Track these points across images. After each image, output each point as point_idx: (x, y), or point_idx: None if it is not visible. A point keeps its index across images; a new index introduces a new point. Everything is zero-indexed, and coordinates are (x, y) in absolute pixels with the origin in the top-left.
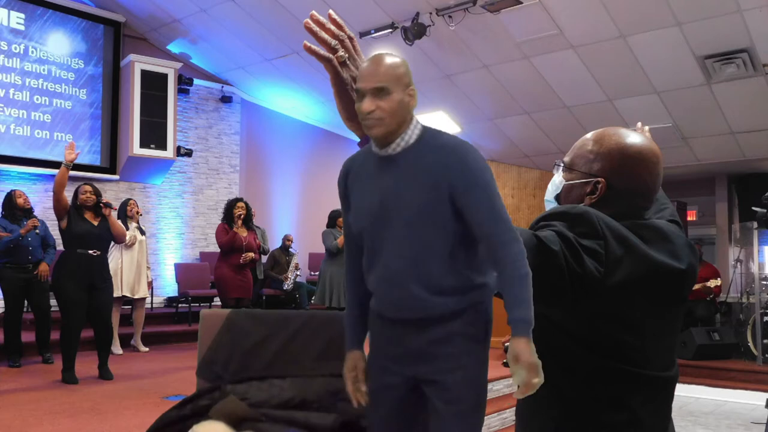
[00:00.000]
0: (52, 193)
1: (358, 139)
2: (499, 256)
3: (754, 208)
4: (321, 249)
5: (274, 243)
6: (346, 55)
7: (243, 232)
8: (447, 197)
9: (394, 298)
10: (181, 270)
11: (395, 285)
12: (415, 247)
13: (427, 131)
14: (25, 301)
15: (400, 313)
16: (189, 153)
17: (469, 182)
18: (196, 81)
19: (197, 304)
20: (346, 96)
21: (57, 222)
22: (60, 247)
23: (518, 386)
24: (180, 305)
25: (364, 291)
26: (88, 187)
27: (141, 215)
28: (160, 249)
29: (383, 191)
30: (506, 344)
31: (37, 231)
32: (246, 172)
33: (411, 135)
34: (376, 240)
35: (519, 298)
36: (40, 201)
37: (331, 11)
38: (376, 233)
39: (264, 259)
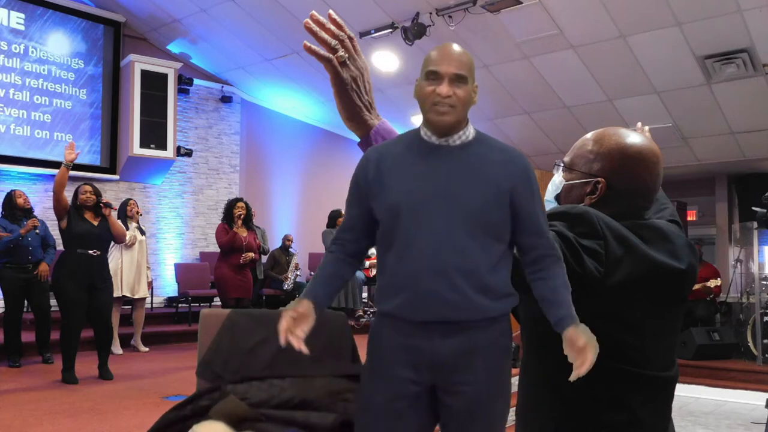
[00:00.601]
0: (52, 193)
1: (358, 139)
2: (548, 265)
3: (754, 208)
4: (321, 249)
5: (274, 243)
6: (346, 55)
7: (243, 232)
8: (507, 197)
9: (434, 294)
10: (181, 270)
11: (440, 277)
12: (468, 241)
13: (480, 133)
14: (25, 301)
15: (434, 313)
16: (189, 153)
17: (532, 190)
18: (196, 81)
19: (197, 304)
20: (346, 96)
21: (57, 222)
22: (60, 247)
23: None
24: (180, 305)
25: (349, 271)
26: (88, 187)
27: (141, 215)
28: (160, 249)
29: (436, 180)
30: None
31: (37, 231)
32: (246, 172)
33: (470, 132)
34: (416, 229)
35: (569, 301)
36: (40, 201)
37: (331, 11)
38: (418, 222)
39: (264, 259)
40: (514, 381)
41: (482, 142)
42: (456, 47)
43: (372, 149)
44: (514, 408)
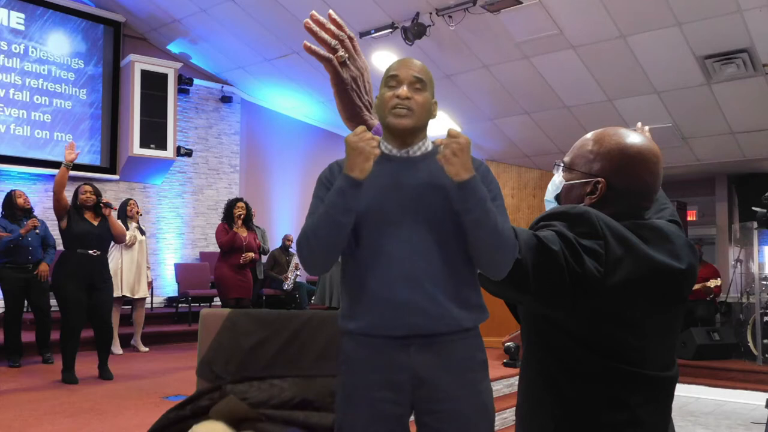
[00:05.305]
0: (52, 193)
1: None
2: None
3: (754, 208)
4: None
5: (274, 243)
6: (346, 55)
7: (243, 232)
8: None
9: (409, 304)
10: (181, 270)
11: (413, 286)
12: (437, 250)
13: (436, 145)
14: (25, 301)
15: (410, 325)
16: (189, 153)
17: (493, 195)
18: (196, 81)
19: (197, 304)
20: (346, 96)
21: (57, 222)
22: (60, 247)
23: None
24: (180, 305)
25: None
26: (88, 187)
27: (141, 215)
28: (160, 249)
29: (400, 191)
30: (506, 344)
31: (37, 231)
32: (246, 172)
33: (428, 143)
34: (384, 240)
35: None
36: (40, 201)
37: (331, 11)
38: (386, 233)
39: (264, 259)
40: (514, 381)
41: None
42: (416, 60)
43: (336, 162)
44: (515, 408)
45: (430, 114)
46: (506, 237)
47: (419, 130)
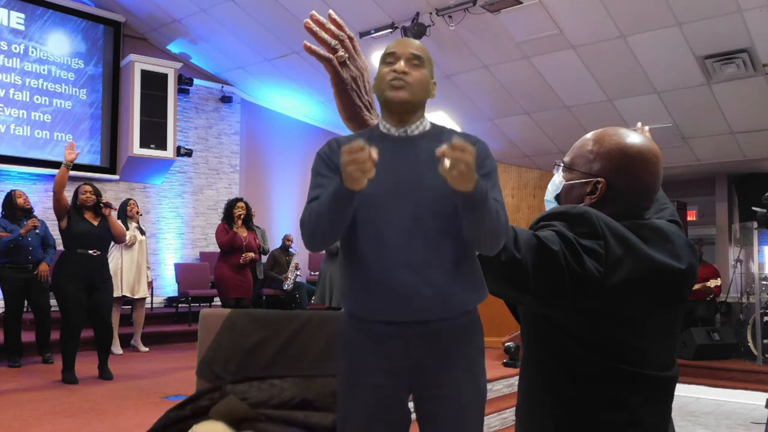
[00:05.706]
0: (52, 193)
1: None
2: None
3: (754, 208)
4: None
5: (274, 243)
6: (346, 55)
7: (243, 232)
8: None
9: (410, 290)
10: (181, 270)
11: (414, 270)
12: (438, 229)
13: (435, 124)
14: (25, 301)
15: (411, 312)
16: (189, 153)
17: (489, 170)
18: (196, 81)
19: (197, 304)
20: (346, 96)
21: (57, 222)
22: (60, 247)
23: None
24: (180, 305)
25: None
26: (88, 187)
27: (141, 215)
28: (160, 249)
29: (399, 170)
30: (506, 344)
31: (37, 231)
32: (246, 172)
33: (426, 123)
34: (384, 221)
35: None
36: (40, 201)
37: (331, 11)
38: (385, 213)
39: (264, 259)
40: (514, 381)
41: (439, 131)
42: (416, 40)
43: (335, 139)
44: (515, 408)
45: (428, 92)
46: (502, 223)
47: (417, 107)
